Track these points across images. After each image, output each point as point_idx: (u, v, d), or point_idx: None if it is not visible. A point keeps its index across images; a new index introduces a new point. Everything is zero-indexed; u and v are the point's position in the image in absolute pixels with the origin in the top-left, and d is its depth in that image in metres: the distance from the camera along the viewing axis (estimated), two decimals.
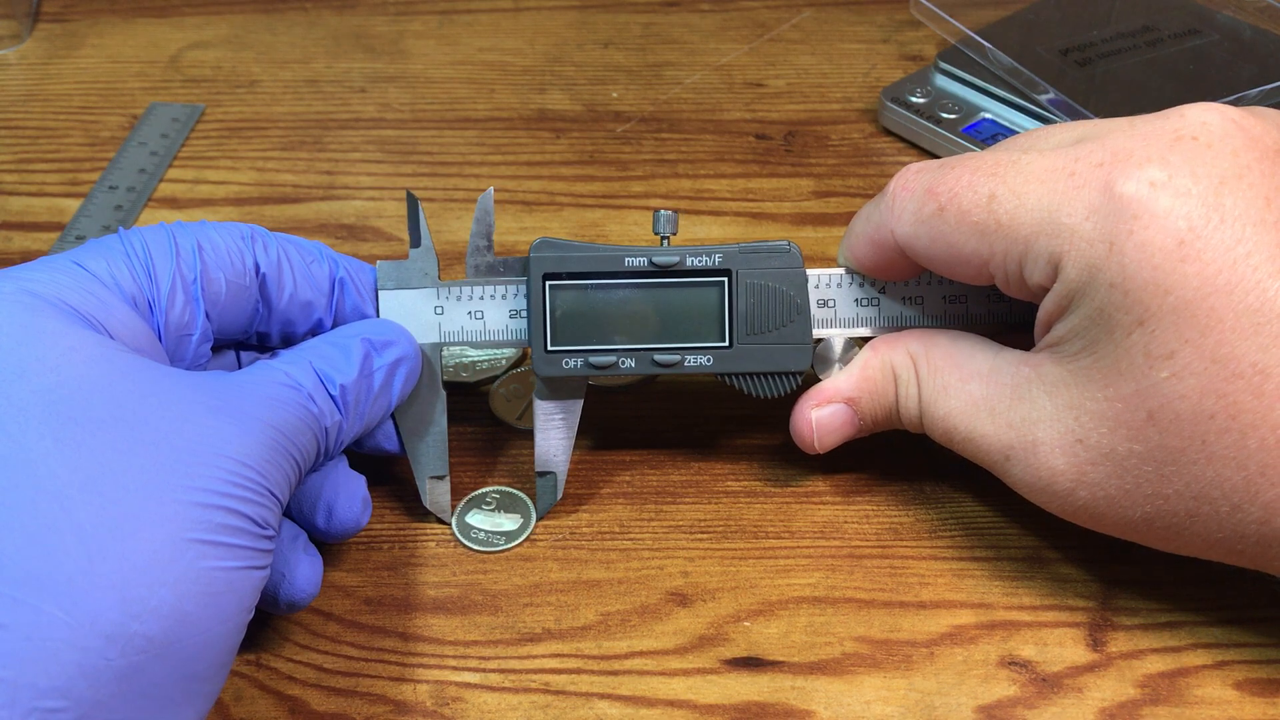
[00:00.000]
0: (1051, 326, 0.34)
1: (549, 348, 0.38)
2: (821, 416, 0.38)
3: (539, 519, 0.40)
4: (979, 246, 0.34)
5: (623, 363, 0.38)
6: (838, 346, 0.39)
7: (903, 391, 0.37)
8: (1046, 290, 0.34)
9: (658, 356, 0.38)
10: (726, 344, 0.38)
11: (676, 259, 0.38)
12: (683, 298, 0.38)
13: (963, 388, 0.36)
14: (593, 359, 0.38)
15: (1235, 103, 0.51)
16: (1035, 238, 0.33)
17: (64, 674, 0.27)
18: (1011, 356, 0.35)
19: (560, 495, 0.40)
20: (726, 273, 0.38)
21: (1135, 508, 0.33)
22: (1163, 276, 0.31)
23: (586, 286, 0.38)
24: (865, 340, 0.39)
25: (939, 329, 0.38)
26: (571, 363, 0.38)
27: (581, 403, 0.39)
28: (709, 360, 0.38)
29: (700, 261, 0.38)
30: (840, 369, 0.39)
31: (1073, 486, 0.34)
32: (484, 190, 0.39)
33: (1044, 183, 0.33)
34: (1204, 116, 0.33)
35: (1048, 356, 0.34)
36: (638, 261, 0.38)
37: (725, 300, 0.38)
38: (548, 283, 0.38)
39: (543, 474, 0.39)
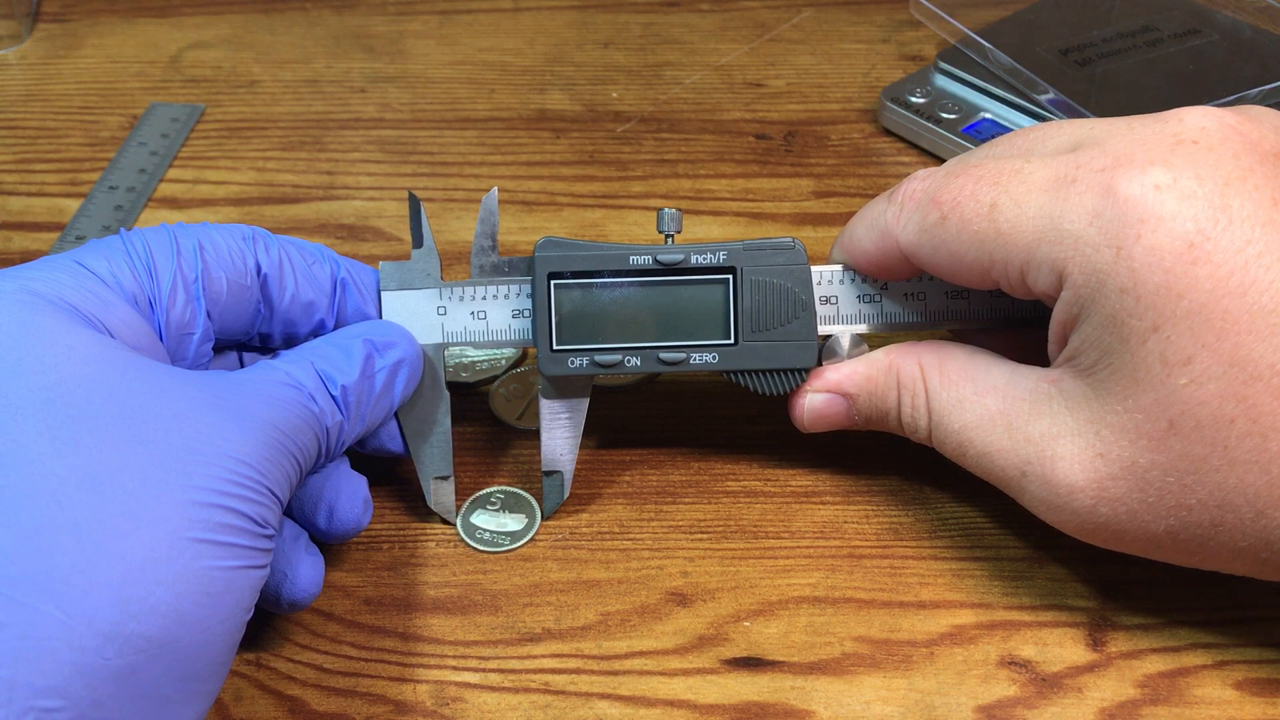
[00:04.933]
0: (1066, 339, 0.34)
1: (554, 347, 0.38)
2: (816, 402, 0.38)
3: (546, 518, 0.40)
4: (979, 255, 0.34)
5: (628, 361, 0.38)
6: (846, 342, 0.39)
7: (906, 401, 0.37)
8: (1051, 297, 0.33)
9: (663, 354, 0.38)
10: (732, 341, 0.38)
11: (681, 257, 0.38)
12: (688, 296, 0.38)
13: (979, 402, 0.35)
14: (598, 357, 0.38)
15: (1235, 103, 0.51)
16: (1037, 245, 0.33)
17: (60, 673, 0.27)
18: (1029, 372, 0.35)
19: (567, 494, 0.39)
20: (731, 270, 0.38)
21: (1158, 521, 0.32)
22: (1174, 280, 0.31)
23: (591, 285, 0.38)
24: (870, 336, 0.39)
25: (954, 342, 0.38)
26: (577, 361, 0.38)
27: (587, 401, 0.39)
28: (714, 358, 0.38)
29: (705, 259, 0.38)
30: (862, 355, 0.39)
31: (1093, 503, 0.33)
32: (484, 190, 0.39)
33: (1046, 191, 0.33)
34: (1202, 121, 0.33)
35: (1066, 371, 0.34)
36: (642, 260, 0.38)
37: (730, 298, 0.38)
38: (553, 282, 0.38)
39: (549, 473, 0.39)
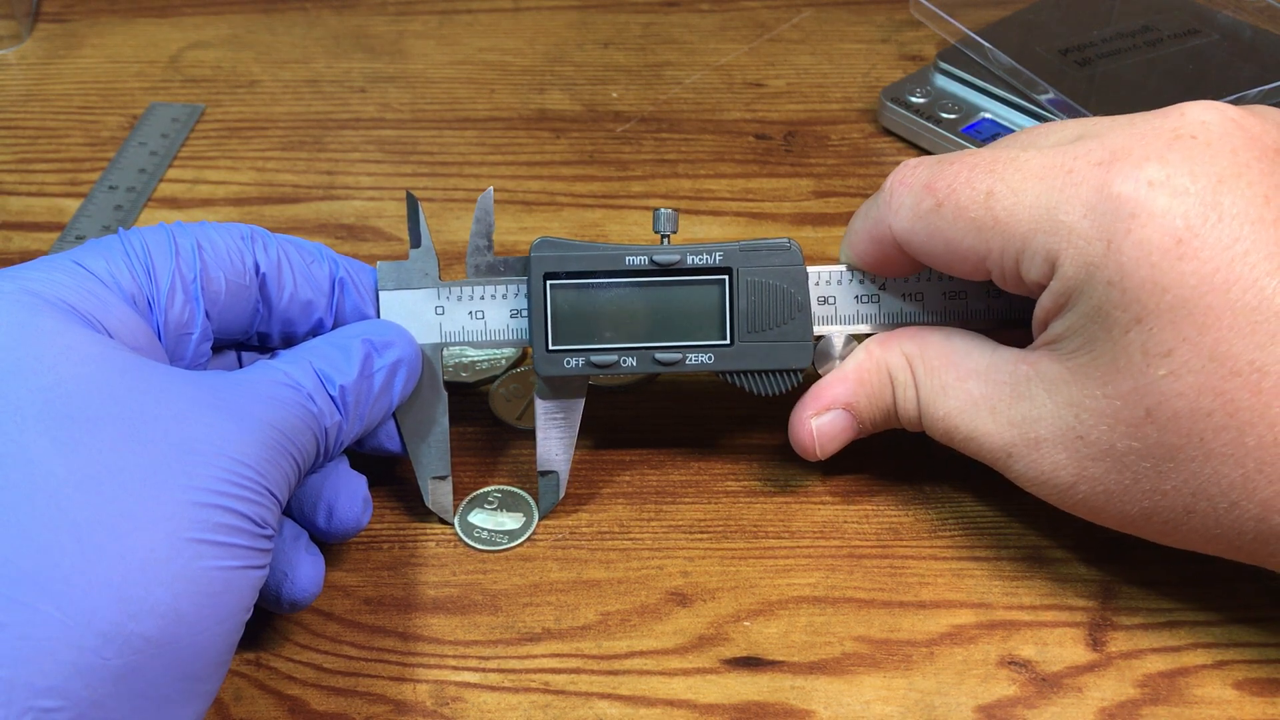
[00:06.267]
0: (1048, 324, 0.34)
1: (550, 347, 0.38)
2: (821, 424, 0.38)
3: (542, 518, 0.40)
4: (975, 243, 0.34)
5: (624, 361, 0.38)
6: (838, 343, 0.39)
7: (900, 393, 0.37)
8: (1043, 287, 0.34)
9: (659, 355, 0.38)
10: (727, 342, 0.38)
11: (677, 258, 0.38)
12: (684, 296, 0.38)
13: (961, 387, 0.36)
14: (594, 358, 0.38)
15: (1235, 103, 0.51)
16: (1032, 235, 0.33)
17: (60, 673, 0.27)
18: (1008, 354, 0.35)
19: (563, 494, 0.39)
20: (727, 271, 0.38)
21: (1133, 503, 0.33)
22: (1160, 275, 0.31)
23: (587, 285, 0.38)
24: (864, 337, 0.39)
25: (931, 327, 0.38)
26: (573, 362, 0.38)
27: (583, 402, 0.39)
28: (710, 358, 0.38)
29: (701, 260, 0.38)
30: (840, 365, 0.38)
31: (1073, 481, 0.34)
32: (484, 190, 0.39)
33: (1042, 180, 0.33)
34: (1203, 115, 0.33)
35: (1045, 354, 0.34)
36: (638, 260, 0.38)
37: (726, 298, 0.38)
38: (548, 282, 0.38)
39: (545, 473, 0.39)
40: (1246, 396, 0.31)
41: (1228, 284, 0.30)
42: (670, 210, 0.39)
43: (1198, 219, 0.31)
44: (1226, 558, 0.34)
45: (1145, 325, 0.31)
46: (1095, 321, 0.32)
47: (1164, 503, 0.33)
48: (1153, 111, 0.34)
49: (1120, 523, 0.34)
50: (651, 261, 0.38)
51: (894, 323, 0.39)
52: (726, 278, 0.38)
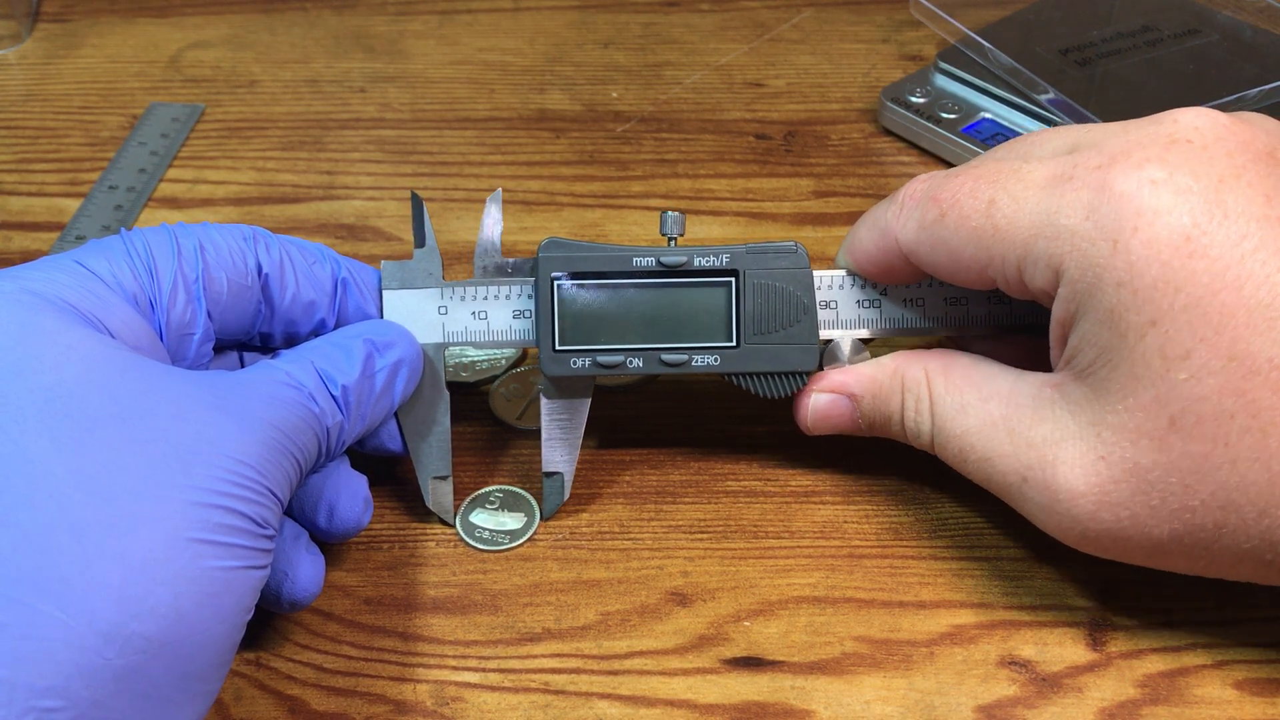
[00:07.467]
0: (1066, 339, 0.34)
1: (557, 347, 0.38)
2: (820, 402, 0.38)
3: (546, 519, 0.40)
4: (977, 252, 0.34)
5: (630, 362, 0.38)
6: (846, 347, 0.39)
7: (909, 405, 0.37)
8: (1049, 295, 0.33)
9: (665, 356, 0.38)
10: (734, 344, 0.38)
11: (684, 259, 0.38)
12: (690, 298, 0.38)
13: (982, 407, 0.35)
14: (601, 358, 0.38)
15: (1235, 103, 0.51)
16: (1033, 241, 0.33)
17: (61, 673, 0.27)
18: (1032, 378, 0.35)
19: (567, 495, 0.39)
20: (734, 273, 0.38)
21: (1162, 525, 0.32)
22: (1171, 273, 0.31)
23: (595, 286, 0.38)
24: (869, 341, 0.39)
25: (960, 351, 0.38)
26: (579, 362, 0.38)
27: (588, 402, 0.39)
28: (716, 360, 0.38)
29: (708, 262, 0.38)
30: (862, 364, 0.39)
31: (1095, 508, 0.33)
32: (484, 190, 0.39)
33: (1043, 188, 0.33)
34: (1196, 121, 0.33)
35: (1068, 375, 0.34)
36: (646, 262, 0.38)
37: (732, 300, 0.38)
38: (556, 283, 0.38)
39: (550, 474, 0.39)
40: (1267, 395, 0.30)
41: (1240, 281, 0.30)
42: (678, 213, 0.39)
43: (1204, 216, 0.31)
44: (1258, 581, 0.33)
45: (1161, 327, 0.31)
46: (1109, 327, 0.32)
47: (1193, 521, 0.32)
48: (1144, 119, 0.34)
49: (1148, 552, 0.33)
50: (659, 263, 0.38)
51: (895, 328, 0.39)
52: (733, 280, 0.38)
